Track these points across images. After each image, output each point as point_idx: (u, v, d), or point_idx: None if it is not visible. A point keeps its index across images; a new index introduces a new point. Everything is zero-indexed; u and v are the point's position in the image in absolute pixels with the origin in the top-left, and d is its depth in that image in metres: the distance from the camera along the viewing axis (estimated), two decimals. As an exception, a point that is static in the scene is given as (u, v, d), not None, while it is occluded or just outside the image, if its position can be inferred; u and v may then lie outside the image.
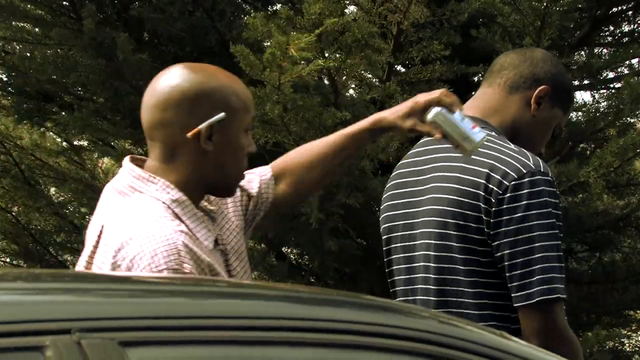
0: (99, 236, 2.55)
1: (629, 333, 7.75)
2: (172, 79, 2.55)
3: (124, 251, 2.43)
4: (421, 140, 3.08)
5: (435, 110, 2.75)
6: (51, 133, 8.09)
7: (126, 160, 2.62)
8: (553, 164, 5.72)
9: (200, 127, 2.51)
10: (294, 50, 4.94)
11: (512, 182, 2.80)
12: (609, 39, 7.05)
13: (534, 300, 2.77)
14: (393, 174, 3.11)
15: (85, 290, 1.87)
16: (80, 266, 2.60)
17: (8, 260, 8.32)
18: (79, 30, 6.12)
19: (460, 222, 2.84)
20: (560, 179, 5.64)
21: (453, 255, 2.87)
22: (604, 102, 6.81)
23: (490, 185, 2.82)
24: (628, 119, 6.47)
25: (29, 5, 6.42)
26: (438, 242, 2.89)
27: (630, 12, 6.89)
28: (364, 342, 1.82)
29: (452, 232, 2.86)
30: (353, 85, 6.35)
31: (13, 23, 6.56)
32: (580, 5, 6.10)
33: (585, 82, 6.65)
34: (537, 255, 2.78)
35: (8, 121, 7.64)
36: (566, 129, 6.59)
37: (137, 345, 1.68)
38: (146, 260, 2.39)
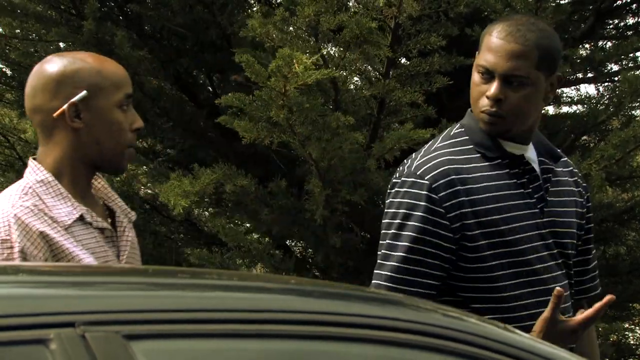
0: None
1: (632, 326, 7.76)
2: (40, 67, 2.74)
3: None
4: None
5: None
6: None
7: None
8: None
9: (64, 107, 2.68)
10: (298, 67, 4.97)
11: (393, 181, 2.94)
12: (613, 31, 7.05)
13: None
14: None
15: (89, 283, 1.88)
16: None
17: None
18: (80, 27, 6.12)
19: None
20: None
21: None
22: (607, 94, 6.82)
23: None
24: (631, 111, 6.47)
25: (29, 3, 6.42)
26: None
27: (634, 5, 6.88)
28: (367, 335, 1.82)
29: None
30: (355, 79, 6.34)
31: (15, 20, 6.57)
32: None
33: (589, 75, 6.64)
34: (382, 251, 2.93)
35: (12, 115, 7.65)
36: (570, 121, 6.60)
37: (142, 339, 1.68)
38: None
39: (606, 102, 6.62)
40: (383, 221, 2.93)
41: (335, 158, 5.39)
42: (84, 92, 2.68)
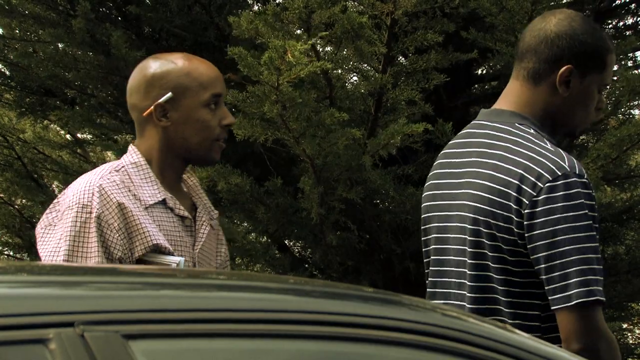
0: None
1: (631, 326, 7.76)
2: (138, 68, 2.96)
3: (67, 190, 2.91)
4: (463, 130, 3.01)
5: None
6: (54, 126, 8.10)
7: None
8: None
9: (151, 107, 2.89)
10: (291, 56, 4.95)
11: (547, 184, 2.76)
12: (612, 31, 7.06)
13: (572, 303, 2.73)
14: (437, 161, 3.04)
15: (88, 283, 1.88)
16: None
17: (11, 253, 8.34)
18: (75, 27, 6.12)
19: (490, 221, 2.81)
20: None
21: (485, 252, 2.84)
22: (605, 94, 6.81)
23: (524, 187, 2.77)
24: (630, 110, 6.48)
25: (27, 3, 6.42)
26: (472, 238, 2.85)
27: (633, 5, 6.89)
28: (366, 335, 1.82)
29: (483, 229, 2.82)
30: (355, 78, 6.34)
31: (14, 21, 6.57)
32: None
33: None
34: (574, 257, 2.74)
35: (11, 115, 7.65)
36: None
37: (141, 338, 1.68)
38: (71, 193, 2.86)
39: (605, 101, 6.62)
40: (559, 226, 2.75)
41: (330, 155, 5.37)
42: (169, 94, 2.88)
